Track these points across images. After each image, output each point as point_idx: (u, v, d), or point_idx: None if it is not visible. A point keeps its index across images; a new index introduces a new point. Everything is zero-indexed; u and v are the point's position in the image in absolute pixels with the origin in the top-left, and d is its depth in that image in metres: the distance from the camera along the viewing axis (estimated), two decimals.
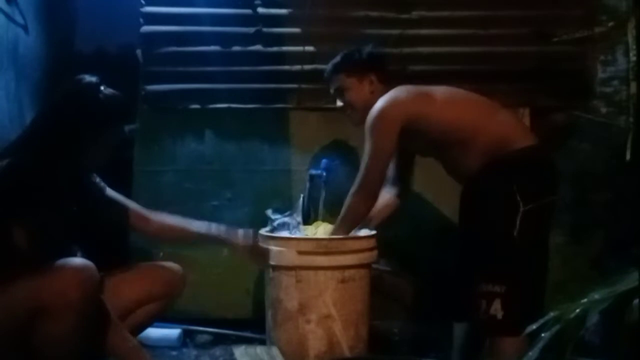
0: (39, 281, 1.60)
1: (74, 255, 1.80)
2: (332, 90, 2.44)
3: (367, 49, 2.41)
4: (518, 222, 2.03)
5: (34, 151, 1.78)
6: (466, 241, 2.20)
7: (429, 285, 2.70)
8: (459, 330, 2.31)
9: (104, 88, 1.89)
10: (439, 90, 2.28)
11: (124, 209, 2.11)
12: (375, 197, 2.30)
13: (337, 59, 2.41)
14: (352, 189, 2.25)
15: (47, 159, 1.77)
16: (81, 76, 1.89)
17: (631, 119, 2.81)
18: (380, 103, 2.23)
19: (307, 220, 2.60)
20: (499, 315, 2.03)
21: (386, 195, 2.47)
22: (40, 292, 1.59)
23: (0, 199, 1.70)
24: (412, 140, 2.27)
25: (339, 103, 2.42)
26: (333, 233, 2.35)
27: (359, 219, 2.33)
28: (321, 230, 2.46)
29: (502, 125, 2.21)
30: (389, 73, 2.42)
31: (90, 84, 1.88)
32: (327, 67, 2.45)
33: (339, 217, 2.32)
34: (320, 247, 2.28)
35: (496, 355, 2.07)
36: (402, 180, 2.51)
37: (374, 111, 2.22)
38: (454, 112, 2.22)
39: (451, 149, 2.21)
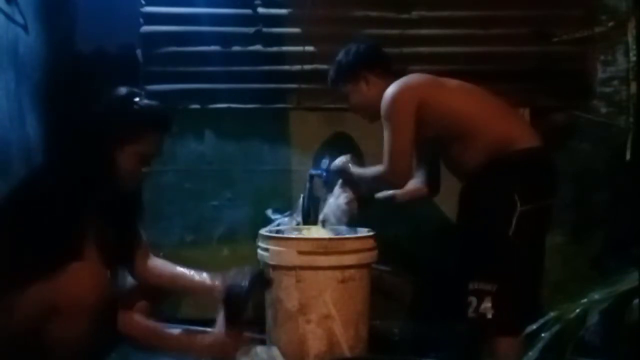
0: (53, 284, 1.60)
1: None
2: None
3: (353, 48, 2.41)
4: (514, 222, 2.03)
5: (68, 165, 1.79)
6: (463, 239, 2.20)
7: (429, 285, 2.70)
8: (458, 330, 2.30)
9: (140, 99, 1.87)
10: (450, 81, 2.29)
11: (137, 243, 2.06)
12: (402, 181, 2.28)
13: (332, 70, 2.45)
14: (379, 170, 2.27)
15: (82, 172, 1.77)
16: (118, 89, 1.89)
17: (631, 119, 2.81)
18: (392, 88, 2.24)
19: (307, 220, 2.60)
20: (489, 314, 2.03)
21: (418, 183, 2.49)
22: (54, 295, 1.59)
23: (28, 205, 1.71)
24: (419, 129, 2.24)
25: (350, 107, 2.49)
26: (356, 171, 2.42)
27: (376, 186, 2.41)
28: (322, 233, 2.46)
29: (507, 123, 2.21)
30: (386, 63, 2.41)
31: (124, 95, 1.87)
32: (328, 79, 2.48)
33: (365, 170, 2.40)
34: (320, 247, 2.28)
35: (490, 355, 2.07)
36: (430, 172, 2.50)
37: (387, 97, 2.23)
38: (463, 103, 2.22)
39: (454, 143, 2.20)
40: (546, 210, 2.14)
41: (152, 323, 1.93)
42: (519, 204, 2.04)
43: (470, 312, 2.07)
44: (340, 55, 2.43)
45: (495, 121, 2.19)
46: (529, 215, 2.05)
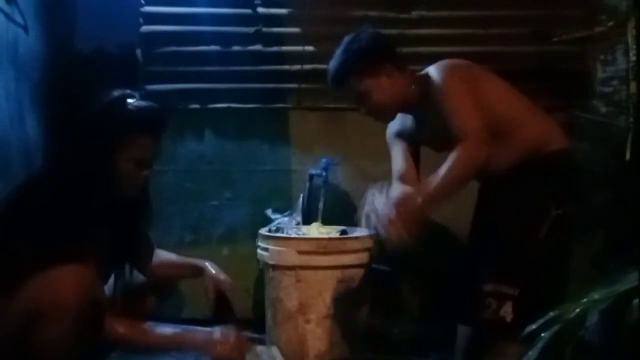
0: (36, 286, 1.59)
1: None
2: (353, 98, 2.15)
3: (366, 34, 2.08)
4: (546, 227, 1.94)
5: (62, 169, 1.76)
6: (484, 239, 2.09)
7: (429, 285, 2.70)
8: (462, 331, 2.28)
9: (135, 101, 1.78)
10: (488, 73, 2.12)
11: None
12: (483, 147, 1.88)
13: (338, 63, 2.06)
14: (455, 154, 1.87)
15: (75, 177, 1.73)
16: (108, 92, 1.81)
17: (631, 119, 2.81)
18: (445, 64, 2.04)
19: (307, 220, 2.60)
20: (509, 318, 1.93)
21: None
22: (37, 297, 1.58)
23: (20, 213, 1.69)
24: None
25: (363, 110, 2.13)
26: (426, 192, 1.91)
27: (462, 183, 1.93)
28: (322, 230, 2.46)
29: (542, 123, 2.08)
30: (400, 56, 2.17)
31: (113, 99, 1.79)
32: (330, 75, 2.10)
33: (435, 184, 1.89)
34: (320, 247, 2.29)
35: (496, 357, 2.03)
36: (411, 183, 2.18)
37: (441, 70, 2.01)
38: (504, 98, 2.06)
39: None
40: (576, 215, 2.04)
41: (142, 323, 1.86)
42: (553, 209, 1.95)
43: (488, 314, 1.96)
44: (349, 44, 2.06)
45: (532, 120, 2.06)
46: (562, 220, 1.96)
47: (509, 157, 2.01)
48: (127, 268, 1.95)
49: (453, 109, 1.93)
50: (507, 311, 1.94)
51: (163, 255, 2.12)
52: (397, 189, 2.04)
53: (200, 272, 2.10)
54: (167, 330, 1.88)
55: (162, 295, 2.16)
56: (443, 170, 1.88)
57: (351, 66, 2.05)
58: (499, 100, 2.04)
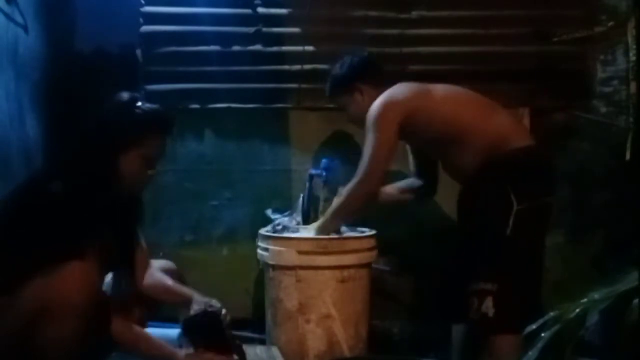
0: (42, 283, 1.60)
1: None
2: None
3: (347, 62, 2.44)
4: (512, 222, 2.05)
5: (71, 169, 1.78)
6: (463, 240, 2.21)
7: (429, 285, 2.70)
8: (457, 331, 2.31)
9: (142, 103, 1.87)
10: (438, 88, 2.31)
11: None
12: (374, 193, 2.30)
13: (327, 85, 2.49)
14: (352, 183, 2.26)
15: (84, 177, 1.75)
16: (119, 94, 1.88)
17: (631, 119, 2.81)
18: (380, 100, 2.27)
19: (307, 220, 2.60)
20: (491, 313, 2.04)
21: (415, 183, 2.55)
22: (43, 294, 1.59)
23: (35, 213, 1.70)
24: (412, 137, 2.31)
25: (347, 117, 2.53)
26: (323, 223, 2.35)
27: (353, 212, 2.34)
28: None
29: (500, 124, 2.23)
30: (379, 74, 2.44)
31: (126, 101, 1.86)
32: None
33: (333, 207, 2.34)
34: (320, 247, 2.29)
35: (491, 354, 2.07)
36: (427, 177, 2.54)
37: (374, 108, 2.26)
38: (452, 109, 2.25)
39: (449, 147, 2.23)
40: (544, 208, 2.16)
41: (141, 330, 1.93)
42: (515, 204, 2.06)
43: (472, 313, 2.08)
44: (335, 69, 2.47)
45: (487, 123, 2.22)
46: (527, 214, 2.06)
47: (472, 159, 2.16)
48: (124, 270, 1.96)
49: (366, 154, 2.23)
50: (489, 306, 2.05)
51: (158, 277, 2.11)
52: None
53: (189, 301, 2.07)
54: (157, 343, 1.92)
55: (150, 311, 2.14)
56: (332, 208, 2.34)
57: (334, 87, 2.49)
58: (448, 111, 2.24)
